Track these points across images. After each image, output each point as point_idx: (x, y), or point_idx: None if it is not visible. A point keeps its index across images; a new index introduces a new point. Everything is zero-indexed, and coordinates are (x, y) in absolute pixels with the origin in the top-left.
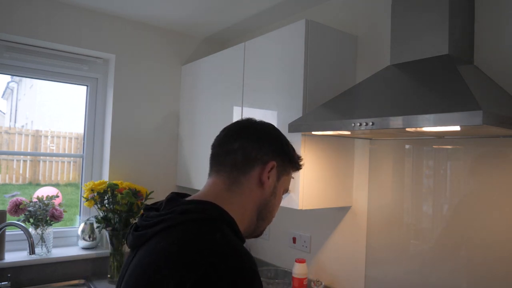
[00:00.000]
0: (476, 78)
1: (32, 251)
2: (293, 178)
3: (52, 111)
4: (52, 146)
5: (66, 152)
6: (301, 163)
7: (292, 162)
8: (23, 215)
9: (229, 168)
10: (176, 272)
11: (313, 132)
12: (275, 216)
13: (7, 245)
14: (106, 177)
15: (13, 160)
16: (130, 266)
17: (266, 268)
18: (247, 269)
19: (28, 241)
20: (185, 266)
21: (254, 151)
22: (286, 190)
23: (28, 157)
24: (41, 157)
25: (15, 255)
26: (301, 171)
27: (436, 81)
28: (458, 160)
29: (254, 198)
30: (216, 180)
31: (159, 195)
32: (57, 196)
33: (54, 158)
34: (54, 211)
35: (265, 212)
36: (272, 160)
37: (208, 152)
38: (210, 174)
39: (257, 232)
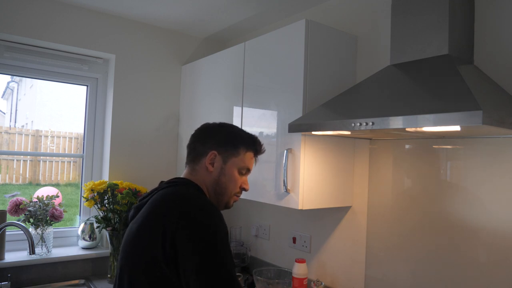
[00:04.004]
0: (476, 78)
1: (32, 251)
2: (255, 159)
3: (52, 111)
4: (52, 146)
5: (66, 152)
6: (253, 146)
7: (236, 147)
8: (23, 215)
9: (190, 160)
10: (162, 215)
11: (313, 132)
12: (237, 190)
13: (7, 245)
14: (106, 177)
15: (13, 160)
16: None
17: (266, 268)
18: (214, 208)
19: (28, 241)
20: (168, 209)
21: (200, 146)
22: (246, 169)
23: (28, 157)
24: (41, 157)
25: (15, 255)
26: (301, 171)
27: (436, 81)
28: (458, 160)
29: (206, 180)
30: (186, 170)
31: None
32: (57, 196)
33: (54, 158)
34: (54, 211)
35: (219, 188)
36: (213, 150)
37: None
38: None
39: (221, 205)
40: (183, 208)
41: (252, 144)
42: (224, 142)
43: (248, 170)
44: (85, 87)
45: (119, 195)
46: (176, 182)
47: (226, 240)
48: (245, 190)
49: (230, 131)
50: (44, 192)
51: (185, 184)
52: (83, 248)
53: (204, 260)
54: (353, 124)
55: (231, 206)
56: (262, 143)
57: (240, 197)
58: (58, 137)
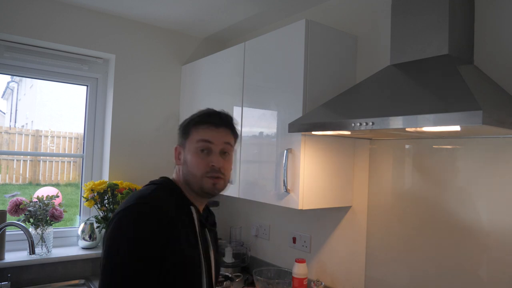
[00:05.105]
0: (476, 78)
1: (32, 251)
2: (218, 129)
3: (52, 111)
4: (52, 146)
5: (66, 152)
6: (202, 118)
7: (188, 129)
8: (23, 215)
9: None
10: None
11: (313, 132)
12: (205, 171)
13: (7, 245)
14: (106, 177)
15: (13, 160)
16: None
17: (266, 268)
18: (139, 210)
19: (28, 241)
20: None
21: None
22: (202, 142)
23: (28, 157)
24: (41, 157)
25: (15, 255)
26: (301, 171)
27: (436, 81)
28: (458, 160)
29: (180, 175)
30: None
31: None
32: (57, 196)
33: (54, 158)
34: (54, 211)
35: (187, 177)
36: (176, 146)
37: None
38: None
39: (199, 192)
40: (119, 209)
41: (200, 117)
42: (181, 132)
43: (207, 142)
44: (85, 87)
45: (119, 195)
46: (151, 181)
47: (137, 245)
48: (215, 167)
49: (186, 120)
50: (44, 192)
51: (156, 183)
52: (83, 248)
53: (104, 261)
54: (353, 124)
55: (214, 190)
56: (223, 111)
57: (240, 197)
58: (58, 137)
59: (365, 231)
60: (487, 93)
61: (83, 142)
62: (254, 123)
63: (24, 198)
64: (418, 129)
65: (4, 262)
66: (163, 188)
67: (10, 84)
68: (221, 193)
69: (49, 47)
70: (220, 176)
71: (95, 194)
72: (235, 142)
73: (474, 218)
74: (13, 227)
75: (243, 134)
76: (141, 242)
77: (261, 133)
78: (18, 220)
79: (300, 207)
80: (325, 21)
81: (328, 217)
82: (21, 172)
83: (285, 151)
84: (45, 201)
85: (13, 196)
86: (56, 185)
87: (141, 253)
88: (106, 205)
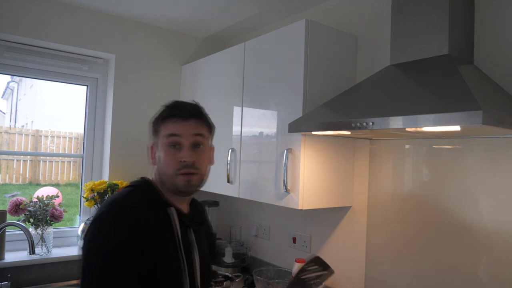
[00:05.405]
0: (476, 78)
1: (32, 251)
2: (185, 122)
3: (52, 111)
4: (52, 146)
5: (66, 152)
6: (167, 112)
7: (157, 126)
8: (23, 215)
9: None
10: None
11: (313, 132)
12: (176, 167)
13: (7, 245)
14: (106, 177)
15: (13, 160)
16: None
17: (266, 268)
18: (108, 218)
19: (28, 241)
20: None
21: None
22: (171, 136)
23: (28, 157)
24: (41, 157)
25: (15, 255)
26: (301, 171)
27: (436, 81)
28: (458, 160)
29: (156, 174)
30: None
31: None
32: (57, 196)
33: (54, 158)
34: (54, 211)
35: (160, 176)
36: (150, 145)
37: None
38: None
39: (173, 190)
40: (94, 215)
41: (167, 110)
42: (152, 129)
43: (175, 136)
44: (85, 87)
45: None
46: (130, 183)
47: (111, 253)
48: (186, 163)
49: (154, 115)
50: (44, 192)
51: (133, 185)
52: None
53: (81, 272)
54: (353, 124)
55: (189, 187)
56: (191, 101)
57: (240, 197)
58: (58, 137)
59: (365, 231)
60: (487, 93)
61: (83, 142)
62: (254, 123)
63: (24, 198)
64: (418, 129)
65: (4, 262)
66: (137, 191)
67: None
68: (199, 189)
69: (49, 47)
70: (193, 172)
71: (95, 194)
72: (210, 132)
73: (474, 218)
74: (13, 227)
75: (243, 134)
76: (114, 249)
77: (261, 133)
78: (18, 220)
79: (300, 207)
80: (325, 21)
81: (328, 217)
82: (21, 172)
83: (285, 151)
84: (45, 201)
85: (13, 196)
86: (56, 185)
87: (114, 261)
88: None
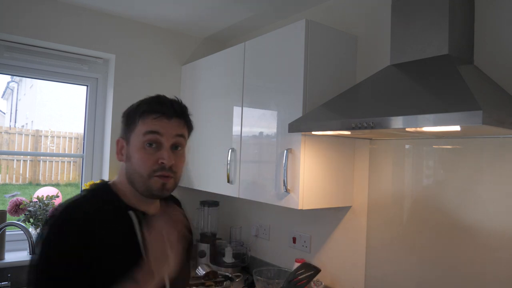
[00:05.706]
0: (476, 78)
1: (32, 251)
2: (169, 120)
3: (52, 111)
4: (52, 146)
5: (66, 152)
6: (149, 106)
7: (133, 119)
8: (23, 215)
9: None
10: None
11: (313, 132)
12: (153, 168)
13: (7, 245)
14: (106, 177)
15: (13, 160)
16: None
17: (266, 268)
18: (56, 224)
19: (28, 241)
20: None
21: None
22: (150, 134)
23: (28, 157)
24: (41, 157)
25: (15, 255)
26: (301, 171)
27: (436, 81)
28: (458, 160)
29: (122, 174)
30: None
31: None
32: (57, 196)
33: (54, 158)
34: None
35: (131, 175)
36: (118, 138)
37: (208, 152)
38: None
39: (144, 194)
40: (46, 220)
41: (149, 105)
42: (125, 122)
43: (155, 134)
44: (85, 87)
45: None
46: (89, 187)
47: (59, 260)
48: (165, 165)
49: (130, 107)
50: (44, 192)
51: (88, 189)
52: None
53: (27, 274)
54: (353, 124)
55: (163, 191)
56: (176, 98)
57: (240, 197)
58: (58, 137)
59: (365, 231)
60: (487, 93)
61: (83, 142)
62: (254, 123)
63: (24, 198)
64: (418, 129)
65: (4, 262)
66: (92, 197)
67: (10, 84)
68: (169, 193)
69: (49, 47)
70: (170, 175)
71: None
72: (189, 135)
73: (474, 218)
74: (13, 227)
75: (243, 134)
76: (62, 257)
77: (261, 133)
78: (18, 220)
79: (300, 207)
80: (325, 21)
81: (328, 217)
82: (21, 172)
83: (285, 151)
84: (45, 201)
85: (13, 196)
86: (56, 185)
87: (60, 267)
88: None
